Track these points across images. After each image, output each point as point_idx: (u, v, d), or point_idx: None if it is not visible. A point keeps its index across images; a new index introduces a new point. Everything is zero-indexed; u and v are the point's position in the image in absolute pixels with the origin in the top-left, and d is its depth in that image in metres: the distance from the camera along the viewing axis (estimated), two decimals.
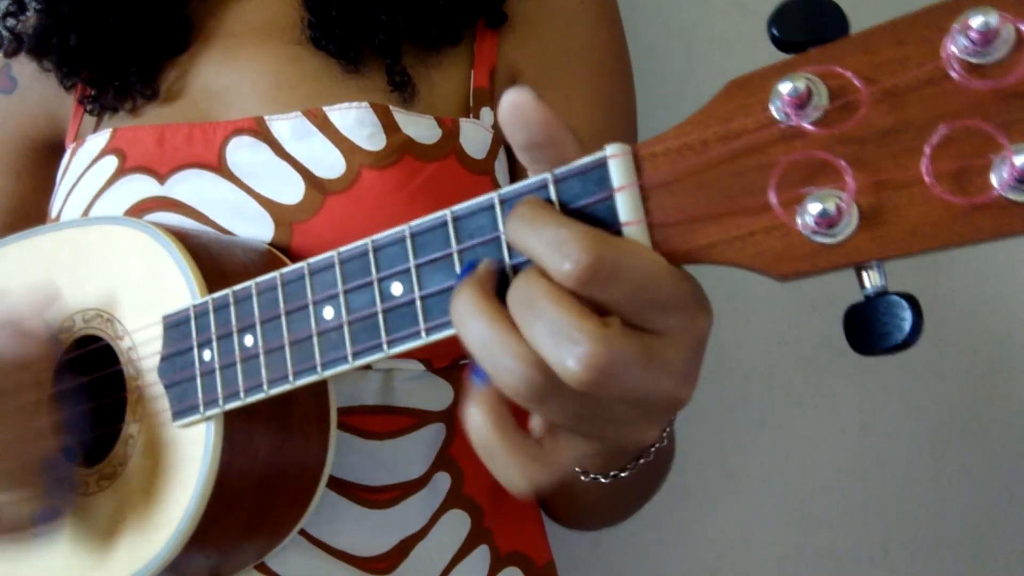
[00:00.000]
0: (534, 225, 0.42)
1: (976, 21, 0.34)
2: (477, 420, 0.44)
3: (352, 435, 0.71)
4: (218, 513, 0.60)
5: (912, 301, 0.37)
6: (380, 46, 0.74)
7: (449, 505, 0.76)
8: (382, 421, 0.72)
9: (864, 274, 0.39)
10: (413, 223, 0.48)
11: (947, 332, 1.06)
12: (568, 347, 0.40)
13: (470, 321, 0.43)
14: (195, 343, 0.60)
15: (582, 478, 0.68)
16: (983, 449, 1.06)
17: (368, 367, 0.70)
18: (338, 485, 0.71)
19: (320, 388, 0.65)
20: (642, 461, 0.67)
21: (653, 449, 0.67)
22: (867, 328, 0.38)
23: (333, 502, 0.71)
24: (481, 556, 0.78)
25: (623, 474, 0.67)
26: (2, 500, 0.60)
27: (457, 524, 0.77)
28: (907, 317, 0.37)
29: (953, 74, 0.35)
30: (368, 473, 0.72)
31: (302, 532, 0.69)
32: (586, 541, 1.02)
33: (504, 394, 0.43)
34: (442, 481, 0.76)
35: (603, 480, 0.67)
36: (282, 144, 0.71)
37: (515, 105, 0.43)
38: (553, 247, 0.41)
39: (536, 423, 0.46)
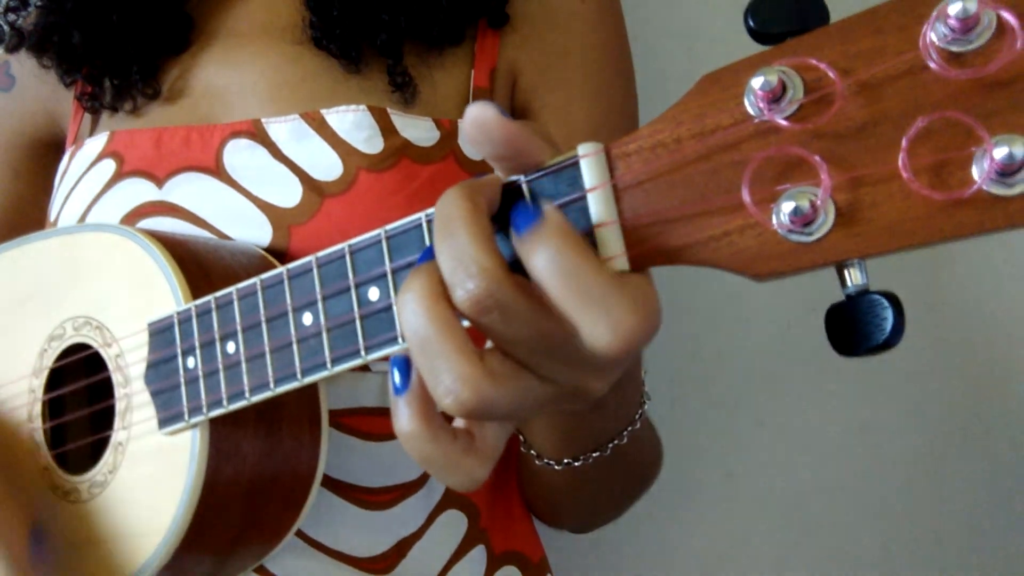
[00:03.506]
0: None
1: (955, 8, 0.33)
2: (410, 432, 0.42)
3: (352, 436, 0.71)
4: (207, 520, 0.60)
5: (893, 300, 0.36)
6: (382, 46, 0.73)
7: (445, 505, 0.76)
8: (381, 423, 0.72)
9: (846, 273, 0.38)
10: (389, 226, 0.48)
11: (947, 332, 1.05)
12: (462, 276, 0.39)
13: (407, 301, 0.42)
14: (179, 350, 0.59)
15: (536, 462, 0.69)
16: (983, 449, 1.05)
17: (367, 368, 0.70)
18: (337, 487, 0.71)
19: (311, 392, 0.65)
20: (596, 454, 0.67)
21: (611, 445, 0.67)
22: (848, 328, 0.37)
23: (332, 504, 0.70)
24: (478, 556, 0.78)
25: (576, 463, 0.67)
26: None
27: (454, 524, 0.77)
28: (888, 317, 0.36)
29: (932, 64, 0.34)
30: (368, 475, 0.72)
31: (300, 534, 0.69)
32: (586, 541, 1.02)
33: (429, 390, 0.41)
34: (438, 481, 0.75)
35: (556, 467, 0.68)
36: (279, 147, 0.71)
37: (477, 121, 0.41)
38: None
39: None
